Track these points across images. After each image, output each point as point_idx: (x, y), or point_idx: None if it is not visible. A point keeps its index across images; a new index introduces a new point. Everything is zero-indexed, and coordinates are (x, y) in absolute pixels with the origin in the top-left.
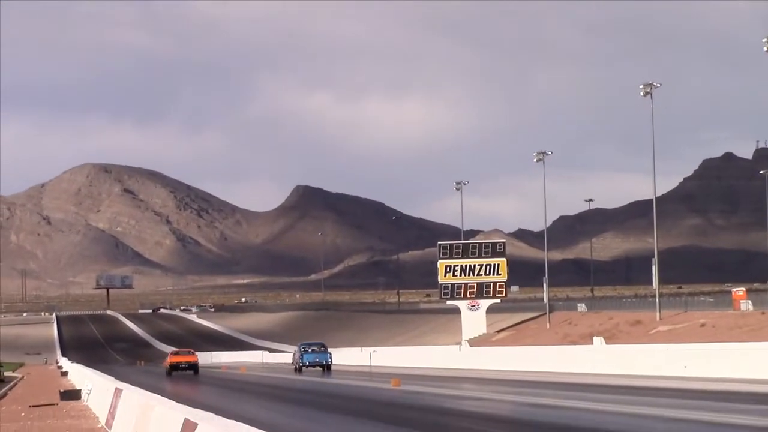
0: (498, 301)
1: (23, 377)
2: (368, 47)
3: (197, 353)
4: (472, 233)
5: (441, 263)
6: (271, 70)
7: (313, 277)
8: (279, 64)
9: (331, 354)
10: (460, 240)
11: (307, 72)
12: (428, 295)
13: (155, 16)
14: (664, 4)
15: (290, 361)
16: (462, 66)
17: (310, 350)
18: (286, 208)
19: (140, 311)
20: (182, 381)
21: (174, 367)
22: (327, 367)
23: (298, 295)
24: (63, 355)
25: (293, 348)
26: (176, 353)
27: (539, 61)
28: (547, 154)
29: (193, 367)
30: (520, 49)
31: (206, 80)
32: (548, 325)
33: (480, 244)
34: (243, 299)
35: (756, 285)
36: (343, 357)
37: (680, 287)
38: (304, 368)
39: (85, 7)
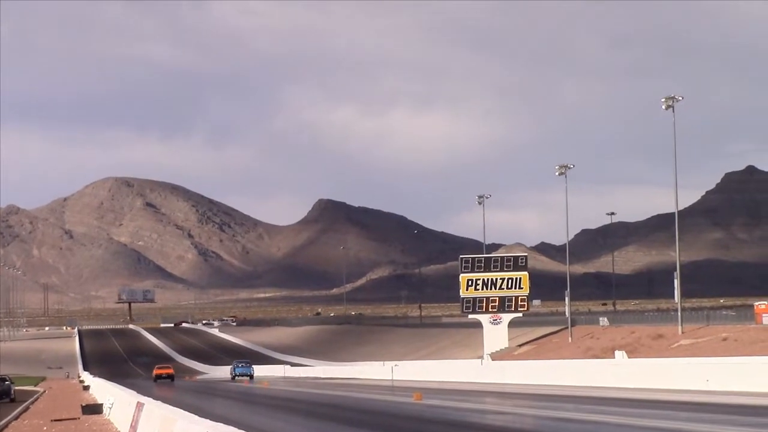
0: (520, 314)
1: (45, 392)
2: (392, 61)
3: (216, 365)
4: (494, 247)
5: (463, 277)
6: (295, 84)
7: (335, 290)
8: (303, 77)
9: (253, 368)
10: (482, 254)
11: (331, 85)
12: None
13: (179, 30)
14: (687, 18)
15: (312, 374)
16: (486, 79)
17: (240, 365)
18: (309, 221)
19: (162, 325)
20: (205, 395)
21: (158, 377)
22: (251, 377)
23: (320, 309)
24: (85, 369)
25: (316, 362)
26: (160, 367)
27: (563, 75)
28: (569, 168)
29: (171, 377)
30: (544, 62)
31: (230, 94)
32: (570, 338)
33: (502, 257)
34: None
35: None
36: (364, 371)
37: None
38: (236, 377)
39: (109, 21)
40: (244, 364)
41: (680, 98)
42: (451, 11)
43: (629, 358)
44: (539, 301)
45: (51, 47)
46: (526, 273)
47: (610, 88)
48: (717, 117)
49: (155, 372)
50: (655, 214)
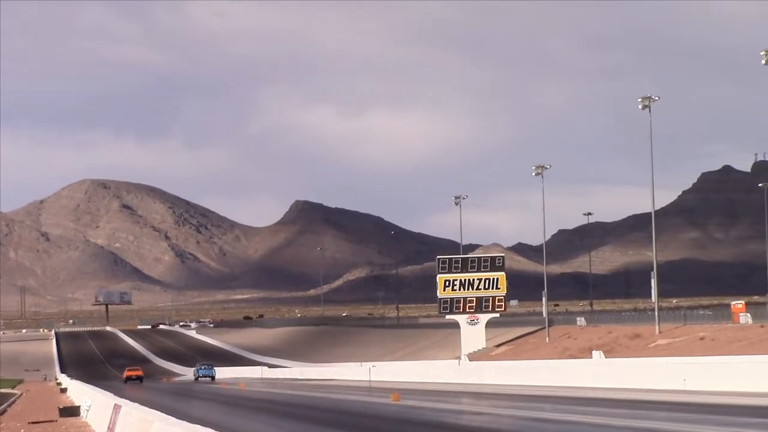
0: (497, 315)
1: (22, 394)
2: (370, 62)
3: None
4: (471, 247)
5: (440, 277)
6: (272, 85)
7: (312, 292)
8: (280, 79)
9: (215, 370)
10: (459, 254)
11: (308, 87)
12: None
13: (156, 32)
14: (664, 18)
15: (289, 376)
16: (463, 81)
17: (203, 367)
18: (286, 223)
19: (139, 327)
20: (182, 397)
21: (128, 378)
22: (212, 378)
23: (297, 310)
24: (62, 371)
25: (293, 363)
26: (130, 369)
27: (540, 76)
28: (545, 168)
29: (140, 378)
30: (522, 63)
31: (208, 96)
32: (547, 339)
33: (479, 258)
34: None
35: (755, 298)
36: (342, 372)
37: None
38: (199, 378)
39: (87, 23)
40: (206, 366)
41: (657, 98)
42: (428, 13)
43: (606, 358)
44: (516, 301)
45: (27, 49)
46: (503, 273)
47: (587, 88)
48: (694, 117)
49: (126, 374)
50: (631, 214)
